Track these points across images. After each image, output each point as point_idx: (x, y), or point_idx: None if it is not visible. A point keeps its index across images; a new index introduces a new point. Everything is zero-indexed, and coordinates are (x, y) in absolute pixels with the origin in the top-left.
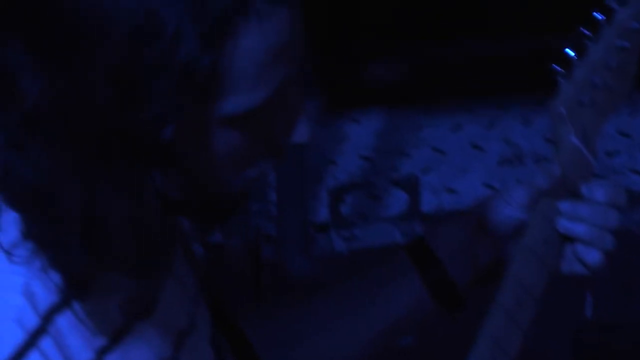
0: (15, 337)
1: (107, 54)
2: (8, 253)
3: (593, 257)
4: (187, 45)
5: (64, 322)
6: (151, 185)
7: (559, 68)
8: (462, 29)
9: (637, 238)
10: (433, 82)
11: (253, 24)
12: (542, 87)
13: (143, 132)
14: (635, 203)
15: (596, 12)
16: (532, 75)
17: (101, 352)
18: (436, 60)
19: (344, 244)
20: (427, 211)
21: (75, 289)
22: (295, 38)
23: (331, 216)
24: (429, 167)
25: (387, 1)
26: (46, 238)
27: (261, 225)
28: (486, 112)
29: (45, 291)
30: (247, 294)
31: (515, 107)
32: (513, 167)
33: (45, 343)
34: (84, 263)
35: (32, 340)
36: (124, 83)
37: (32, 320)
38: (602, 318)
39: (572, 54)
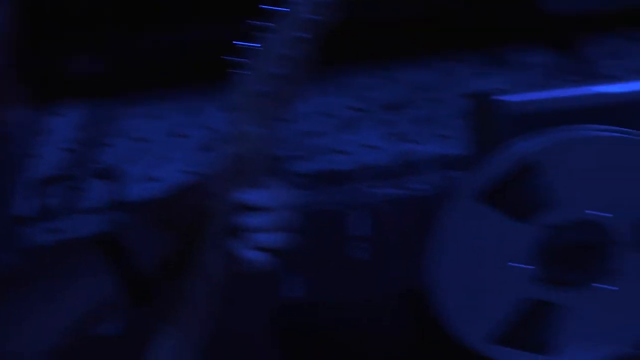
0: None
1: None
2: None
3: (268, 246)
4: None
5: None
6: None
7: (235, 59)
8: (153, 20)
9: (336, 215)
10: (134, 73)
11: None
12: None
13: None
14: (339, 182)
15: (272, 5)
16: (226, 64)
17: None
18: (133, 52)
19: (48, 236)
20: (129, 201)
21: None
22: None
23: (34, 209)
24: (131, 157)
25: None
26: None
27: None
28: (188, 101)
29: None
30: None
31: (216, 94)
32: (212, 152)
33: None
34: None
35: None
36: None
37: None
38: (299, 296)
39: (249, 45)
